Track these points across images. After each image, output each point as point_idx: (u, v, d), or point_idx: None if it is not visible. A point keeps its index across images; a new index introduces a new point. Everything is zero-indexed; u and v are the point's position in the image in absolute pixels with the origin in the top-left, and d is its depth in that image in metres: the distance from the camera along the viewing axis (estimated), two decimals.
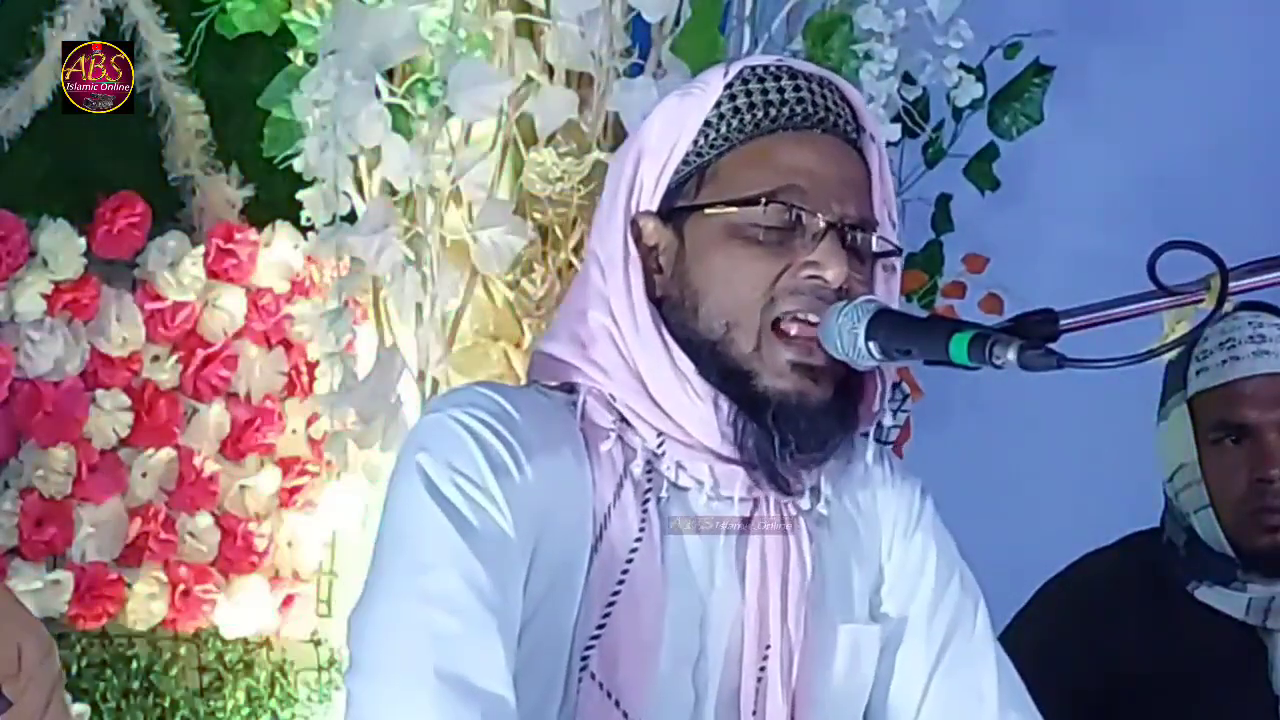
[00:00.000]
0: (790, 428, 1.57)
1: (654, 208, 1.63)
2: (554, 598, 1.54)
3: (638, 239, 1.63)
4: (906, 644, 1.71)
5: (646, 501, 1.57)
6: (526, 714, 1.52)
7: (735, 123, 1.62)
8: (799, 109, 1.62)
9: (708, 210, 1.60)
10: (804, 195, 1.58)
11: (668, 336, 1.60)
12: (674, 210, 1.62)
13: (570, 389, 1.63)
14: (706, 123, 1.62)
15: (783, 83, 1.63)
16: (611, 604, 1.54)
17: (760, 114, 1.61)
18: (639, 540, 1.56)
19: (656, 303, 1.62)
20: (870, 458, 1.74)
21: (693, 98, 1.64)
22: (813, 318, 1.57)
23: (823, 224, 1.58)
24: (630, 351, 1.60)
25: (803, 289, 1.57)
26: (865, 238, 1.62)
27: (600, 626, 1.54)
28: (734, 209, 1.59)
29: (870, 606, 1.70)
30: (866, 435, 2.63)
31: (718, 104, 1.62)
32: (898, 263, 1.66)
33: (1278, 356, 2.39)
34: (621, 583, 1.54)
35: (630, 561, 1.55)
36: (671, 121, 1.64)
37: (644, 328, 1.60)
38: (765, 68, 1.64)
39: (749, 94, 1.62)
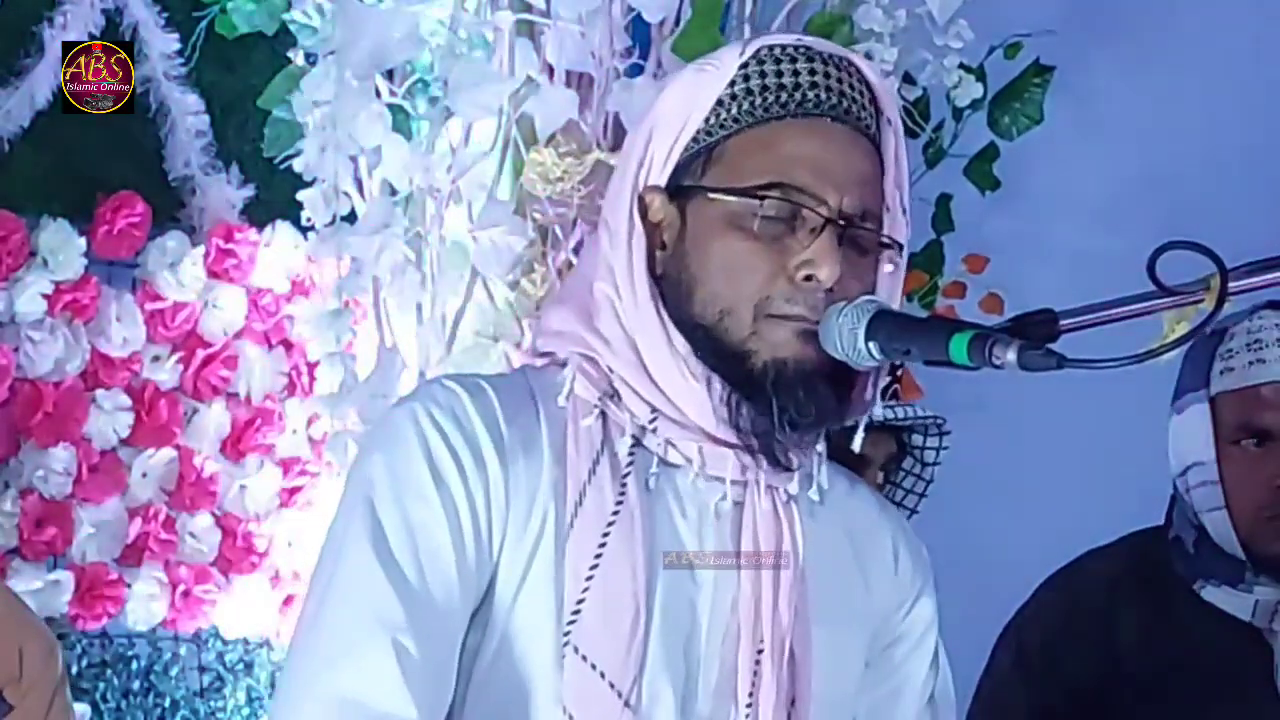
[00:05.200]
0: (789, 397, 1.56)
1: (662, 183, 1.63)
2: (534, 576, 1.55)
3: (644, 214, 1.63)
4: (903, 699, 1.73)
5: (626, 477, 1.57)
6: (516, 695, 1.54)
7: (746, 105, 1.60)
8: (811, 94, 1.60)
9: (710, 195, 1.60)
10: (804, 187, 1.57)
11: (665, 314, 1.60)
12: (680, 188, 1.62)
13: (562, 364, 1.63)
14: (719, 101, 1.61)
15: (798, 65, 1.61)
16: (590, 578, 1.54)
17: (771, 98, 1.60)
18: (615, 514, 1.56)
19: (657, 279, 1.61)
20: (878, 503, 1.76)
21: (707, 74, 1.62)
22: (800, 312, 1.56)
23: (820, 219, 1.57)
24: (629, 325, 1.60)
25: (797, 293, 1.57)
26: (867, 231, 1.60)
27: (580, 601, 1.54)
28: (733, 198, 1.58)
29: (869, 649, 1.71)
30: (911, 479, 2.62)
31: (731, 83, 1.61)
32: (899, 258, 1.64)
33: None
34: (599, 556, 1.55)
35: (606, 535, 1.55)
36: (685, 97, 1.63)
37: (643, 303, 1.60)
38: (783, 48, 1.62)
39: (763, 75, 1.61)
